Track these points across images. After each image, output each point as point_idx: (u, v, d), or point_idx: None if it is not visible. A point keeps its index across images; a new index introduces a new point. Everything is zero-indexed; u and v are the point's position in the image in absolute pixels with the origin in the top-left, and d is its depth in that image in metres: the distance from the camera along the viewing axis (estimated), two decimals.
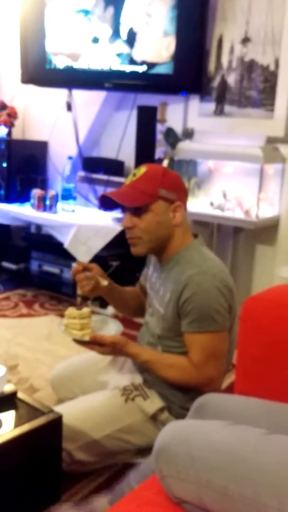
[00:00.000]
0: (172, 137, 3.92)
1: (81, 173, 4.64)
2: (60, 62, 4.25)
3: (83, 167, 4.62)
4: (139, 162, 3.71)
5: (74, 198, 4.48)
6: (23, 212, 4.41)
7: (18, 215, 4.44)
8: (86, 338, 1.99)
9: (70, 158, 4.46)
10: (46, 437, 1.82)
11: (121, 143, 4.40)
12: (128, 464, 2.16)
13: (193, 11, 3.75)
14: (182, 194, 2.06)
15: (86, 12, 4.05)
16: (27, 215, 4.38)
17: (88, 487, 2.13)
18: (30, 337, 3.62)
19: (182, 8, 3.76)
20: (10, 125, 4.87)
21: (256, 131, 3.71)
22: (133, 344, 2.07)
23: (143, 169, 2.04)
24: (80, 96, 4.53)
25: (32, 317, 4.04)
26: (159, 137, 3.94)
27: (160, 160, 3.91)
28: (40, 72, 4.36)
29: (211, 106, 3.99)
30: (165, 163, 3.86)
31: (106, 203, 2.07)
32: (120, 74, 4.04)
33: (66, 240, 3.97)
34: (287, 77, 3.58)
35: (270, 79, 3.65)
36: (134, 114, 4.01)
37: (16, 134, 5.01)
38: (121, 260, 3.85)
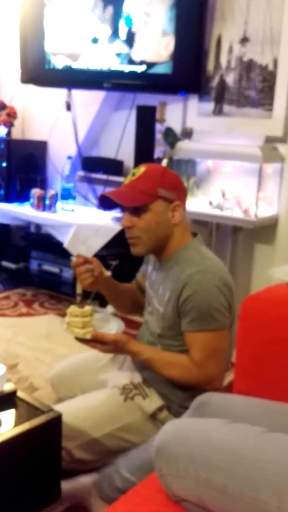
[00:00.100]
0: (171, 137, 3.92)
1: (81, 173, 4.65)
2: (59, 62, 4.25)
3: (82, 167, 4.63)
4: (138, 161, 3.71)
5: (74, 198, 4.49)
6: (22, 211, 4.42)
7: (18, 215, 4.45)
8: (88, 336, 1.98)
9: (69, 157, 4.47)
10: (46, 435, 1.81)
11: (120, 143, 4.40)
12: None
13: (192, 11, 3.76)
14: (181, 193, 2.06)
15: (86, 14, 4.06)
16: (26, 215, 4.39)
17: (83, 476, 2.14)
18: (30, 336, 3.63)
19: (181, 8, 3.76)
20: (9, 125, 4.88)
21: (255, 130, 3.72)
22: (134, 342, 2.08)
23: (142, 168, 2.04)
24: (80, 96, 4.53)
25: (32, 316, 4.05)
26: (158, 136, 3.94)
27: (159, 160, 3.91)
28: (39, 72, 4.37)
29: (210, 105, 4.00)
30: (164, 162, 3.87)
31: (106, 203, 2.07)
32: (119, 74, 4.05)
33: (66, 240, 3.97)
34: (286, 77, 3.58)
35: (268, 78, 3.66)
36: (133, 114, 4.01)
37: (16, 134, 5.02)
38: (120, 259, 3.86)
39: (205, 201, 3.80)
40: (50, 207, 4.32)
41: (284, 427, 1.43)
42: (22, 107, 5.02)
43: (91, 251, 3.86)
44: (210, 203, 3.76)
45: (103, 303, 3.78)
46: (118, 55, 4.01)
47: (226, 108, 3.92)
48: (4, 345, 3.45)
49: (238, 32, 3.78)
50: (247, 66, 3.76)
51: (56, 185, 4.72)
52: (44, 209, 4.33)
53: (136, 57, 3.95)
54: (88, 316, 2.01)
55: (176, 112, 4.13)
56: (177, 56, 3.84)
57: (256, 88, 3.74)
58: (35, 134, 5.02)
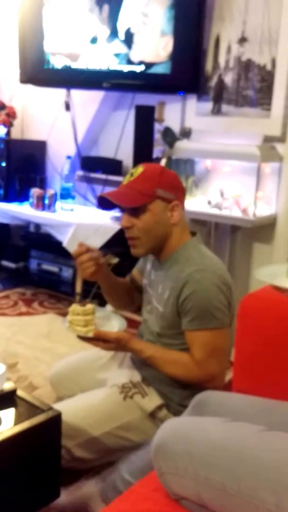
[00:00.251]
0: (169, 137, 3.93)
1: (80, 173, 4.65)
2: (58, 62, 4.26)
3: (81, 167, 4.63)
4: (137, 161, 3.72)
5: (73, 197, 4.49)
6: (22, 211, 4.43)
7: (17, 214, 4.45)
8: (90, 334, 1.98)
9: (68, 157, 4.47)
10: (46, 434, 1.81)
11: (119, 143, 4.41)
12: None
13: (190, 11, 3.76)
14: (179, 193, 2.07)
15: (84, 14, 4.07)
16: (26, 214, 4.40)
17: (87, 484, 2.15)
18: (30, 335, 3.63)
19: (179, 8, 3.77)
20: (9, 124, 4.88)
21: (253, 130, 3.73)
22: (136, 340, 2.08)
23: (140, 169, 2.04)
24: (79, 96, 4.54)
25: (31, 315, 4.06)
26: (157, 136, 3.95)
27: (158, 159, 3.92)
28: (38, 72, 4.37)
29: (208, 105, 4.00)
30: (163, 162, 3.87)
31: (104, 203, 2.07)
32: (118, 74, 4.05)
33: (65, 239, 3.98)
34: (284, 77, 3.59)
35: (267, 78, 3.67)
36: (132, 113, 4.01)
37: (15, 134, 5.02)
38: (119, 258, 3.87)
39: (203, 201, 3.81)
40: (50, 207, 4.32)
41: (283, 425, 1.44)
42: (22, 107, 5.02)
43: None
44: (209, 203, 3.77)
45: (102, 303, 3.79)
46: (117, 55, 4.02)
47: (225, 107, 3.92)
48: (3, 344, 3.46)
49: (236, 32, 3.79)
50: (246, 66, 3.77)
51: (56, 185, 4.73)
52: (43, 209, 4.34)
53: (135, 57, 3.96)
54: (90, 314, 2.01)
55: (174, 112, 4.14)
56: (176, 56, 3.84)
57: (254, 88, 3.74)
58: (34, 134, 5.02)
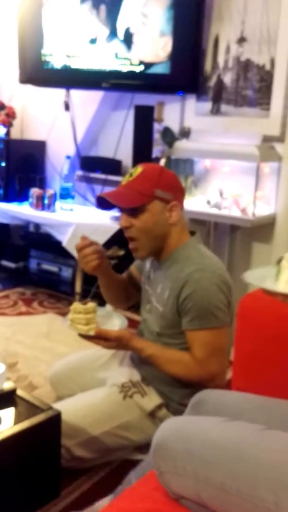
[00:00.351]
0: (169, 136, 3.93)
1: (79, 172, 4.65)
2: (57, 62, 4.26)
3: (81, 166, 4.63)
4: (136, 161, 3.72)
5: (72, 197, 4.49)
6: (21, 211, 4.43)
7: (17, 214, 4.46)
8: (92, 332, 1.99)
9: (68, 157, 4.47)
10: (45, 434, 1.82)
11: (118, 143, 4.41)
12: (126, 460, 2.18)
13: (189, 11, 3.76)
14: (178, 193, 2.07)
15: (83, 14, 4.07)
16: (25, 214, 4.40)
17: (87, 483, 2.16)
18: (29, 335, 3.64)
19: (178, 8, 3.77)
20: (8, 125, 4.88)
21: (252, 130, 3.73)
22: (138, 339, 2.09)
23: (139, 169, 2.05)
24: (78, 96, 4.54)
25: (31, 315, 4.06)
26: (156, 136, 3.95)
27: (157, 159, 3.92)
28: (38, 72, 4.37)
29: (207, 105, 4.00)
30: (162, 162, 3.88)
31: (103, 203, 2.08)
32: (117, 74, 4.05)
33: (65, 239, 3.98)
34: (283, 77, 3.59)
35: (266, 78, 3.67)
36: (131, 113, 4.01)
37: (15, 134, 5.02)
38: (119, 258, 3.88)
39: (203, 200, 3.81)
40: (49, 207, 4.33)
41: (282, 424, 1.44)
42: (21, 107, 5.02)
43: None
44: (208, 202, 3.77)
45: (102, 302, 3.80)
46: (116, 55, 4.02)
47: (224, 107, 3.93)
48: (3, 344, 3.46)
49: (235, 32, 3.79)
50: (245, 66, 3.77)
51: (55, 185, 4.73)
52: (43, 209, 4.34)
53: (134, 57, 3.96)
54: (91, 313, 2.01)
55: (174, 112, 4.14)
56: (175, 56, 3.84)
57: (253, 88, 3.75)
58: (33, 134, 5.03)
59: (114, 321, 2.15)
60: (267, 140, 3.65)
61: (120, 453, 2.18)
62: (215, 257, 2.09)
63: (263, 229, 3.73)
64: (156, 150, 3.95)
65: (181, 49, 3.82)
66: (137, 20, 3.90)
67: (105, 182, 4.45)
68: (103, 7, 4.00)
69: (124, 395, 2.10)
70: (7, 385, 1.92)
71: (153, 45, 3.89)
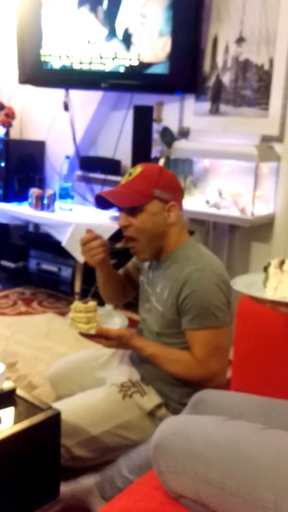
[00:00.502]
0: (168, 136, 3.93)
1: (78, 172, 4.66)
2: (56, 63, 4.26)
3: (80, 166, 4.64)
4: (135, 161, 3.73)
5: (72, 197, 4.50)
6: (21, 211, 4.43)
7: (16, 214, 4.46)
8: (92, 331, 1.99)
9: (67, 157, 4.48)
10: (45, 433, 1.82)
11: (117, 143, 4.42)
12: None
13: (188, 12, 3.77)
14: (177, 193, 2.07)
15: (83, 13, 4.08)
16: (25, 214, 4.41)
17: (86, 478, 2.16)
18: (29, 334, 3.64)
19: (177, 9, 3.77)
20: (8, 125, 4.89)
21: (251, 130, 3.73)
22: (138, 338, 2.09)
23: (138, 168, 2.05)
24: (77, 96, 4.54)
25: (31, 315, 4.07)
26: (155, 136, 3.95)
27: (156, 159, 3.92)
28: (37, 73, 4.38)
29: (206, 105, 4.01)
30: (161, 162, 3.88)
31: (102, 202, 2.08)
32: (116, 74, 4.06)
33: (64, 239, 3.99)
34: (282, 76, 3.59)
35: (264, 78, 3.67)
36: (130, 113, 4.02)
37: (14, 134, 5.03)
38: (118, 258, 3.88)
39: (202, 200, 3.81)
40: (49, 207, 4.33)
41: (281, 424, 1.45)
42: (20, 108, 5.02)
43: None
44: (207, 202, 3.77)
45: (101, 302, 3.81)
46: (115, 55, 4.02)
47: (223, 107, 3.93)
48: (3, 344, 3.47)
49: (234, 32, 3.79)
50: (243, 66, 3.78)
51: (54, 185, 4.73)
52: (42, 209, 4.35)
53: (133, 58, 3.96)
54: (92, 312, 2.01)
55: (173, 112, 4.14)
56: (174, 56, 3.84)
57: (252, 88, 3.75)
58: (33, 134, 5.03)
59: (114, 320, 2.14)
60: (266, 140, 3.65)
61: (119, 453, 2.17)
62: (214, 256, 2.09)
63: (262, 228, 3.74)
64: (155, 150, 3.95)
65: (180, 49, 3.83)
66: (136, 20, 3.91)
67: (104, 182, 4.45)
68: (102, 8, 4.00)
69: (124, 394, 2.10)
70: (7, 385, 1.92)
71: (152, 45, 3.90)
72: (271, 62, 3.63)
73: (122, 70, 4.04)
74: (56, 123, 4.73)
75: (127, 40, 3.96)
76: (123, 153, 4.29)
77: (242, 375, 1.99)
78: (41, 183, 4.66)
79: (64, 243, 3.97)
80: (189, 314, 1.97)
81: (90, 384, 2.25)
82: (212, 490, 1.32)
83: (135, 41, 3.94)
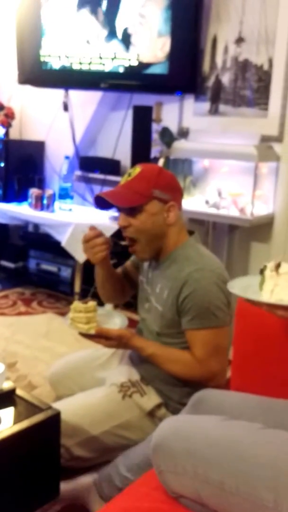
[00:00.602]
0: (167, 137, 3.93)
1: (78, 173, 4.66)
2: (56, 63, 4.27)
3: (79, 167, 4.64)
4: (135, 161, 3.73)
5: (71, 197, 4.50)
6: (21, 211, 4.44)
7: (16, 214, 4.46)
8: (92, 331, 1.99)
9: (67, 157, 4.48)
10: (45, 433, 1.82)
11: (117, 143, 4.42)
12: None
13: (187, 12, 3.77)
14: (176, 194, 2.08)
15: (82, 13, 4.08)
16: (24, 214, 4.41)
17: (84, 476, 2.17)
18: (29, 334, 3.65)
19: (176, 9, 3.77)
20: (7, 125, 4.89)
21: (251, 130, 3.74)
22: (138, 338, 2.09)
23: (138, 169, 2.05)
24: (77, 96, 4.54)
25: (30, 315, 4.07)
26: (155, 136, 3.95)
27: (155, 159, 3.92)
28: (36, 73, 4.38)
29: (206, 105, 4.01)
30: (161, 162, 3.88)
31: (102, 203, 2.08)
32: (116, 74, 4.06)
33: (64, 239, 3.99)
34: (281, 77, 3.59)
35: (264, 78, 3.68)
36: (130, 114, 4.02)
37: (14, 135, 5.03)
38: (117, 258, 3.88)
39: (201, 200, 3.81)
40: (48, 207, 4.33)
41: (280, 423, 1.45)
42: (20, 108, 5.02)
43: None
44: (207, 202, 3.78)
45: (101, 302, 3.81)
46: (115, 55, 4.02)
47: (222, 107, 3.93)
48: (3, 344, 3.47)
49: (234, 32, 3.79)
50: (243, 66, 3.78)
51: (54, 185, 4.74)
52: (42, 209, 4.35)
53: (133, 58, 3.96)
54: (92, 312, 2.01)
55: (172, 112, 4.14)
56: (173, 56, 3.85)
57: (251, 88, 3.75)
58: (32, 134, 5.03)
59: (114, 320, 2.14)
60: (265, 140, 3.66)
61: (119, 453, 2.17)
62: (214, 256, 2.09)
63: (261, 228, 3.74)
64: (155, 150, 3.95)
65: (179, 50, 3.83)
66: (135, 20, 3.91)
67: (103, 182, 4.45)
68: (101, 8, 4.00)
69: (124, 394, 2.10)
70: (7, 385, 1.92)
71: (151, 46, 3.90)
72: (270, 62, 3.63)
73: (121, 70, 4.04)
74: (56, 123, 4.73)
75: (126, 40, 3.96)
76: (123, 153, 4.29)
77: (241, 375, 1.99)
78: (41, 183, 4.66)
79: (63, 243, 3.98)
80: (189, 314, 1.97)
81: (90, 384, 2.26)
82: (212, 490, 1.32)
83: (134, 41, 3.94)
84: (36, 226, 4.62)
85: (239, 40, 3.77)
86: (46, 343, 3.53)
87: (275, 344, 1.86)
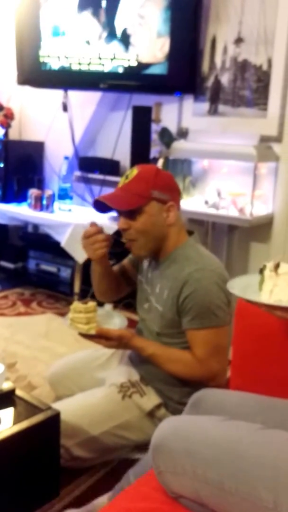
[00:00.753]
0: (167, 137, 3.94)
1: (77, 173, 4.66)
2: (55, 63, 4.27)
3: (79, 167, 4.64)
4: (134, 161, 3.73)
5: (71, 198, 4.50)
6: (20, 211, 4.44)
7: (16, 215, 4.46)
8: (92, 332, 1.99)
9: (66, 158, 4.48)
10: (45, 433, 1.82)
11: (116, 143, 4.42)
12: (126, 459, 2.18)
13: (186, 12, 3.77)
14: (175, 194, 2.07)
15: (81, 13, 4.08)
16: (24, 215, 4.41)
17: (86, 482, 2.17)
18: (28, 335, 3.64)
19: (176, 9, 3.78)
20: (6, 126, 4.89)
21: (250, 130, 3.74)
22: (138, 338, 2.09)
23: (135, 171, 2.04)
24: (76, 96, 4.54)
25: (30, 315, 4.07)
26: (154, 136, 3.95)
27: (155, 160, 3.92)
28: (35, 74, 4.39)
29: (205, 105, 4.01)
30: (160, 162, 3.88)
31: (101, 207, 2.08)
32: (115, 75, 4.06)
33: (63, 239, 3.99)
34: (280, 77, 3.60)
35: (263, 78, 3.68)
36: (129, 114, 4.02)
37: (13, 135, 5.03)
38: (117, 258, 3.88)
39: (201, 200, 3.82)
40: (48, 207, 4.33)
41: (280, 423, 1.45)
42: (19, 108, 5.03)
43: None
44: (206, 202, 3.78)
45: (101, 302, 3.81)
46: (114, 56, 4.03)
47: (221, 108, 3.94)
48: (2, 344, 3.47)
49: (233, 33, 3.80)
50: (242, 66, 3.78)
51: (53, 185, 4.74)
52: (41, 209, 4.35)
53: (132, 58, 3.97)
54: (92, 312, 2.01)
55: (171, 112, 4.15)
56: (172, 57, 3.85)
57: (250, 88, 3.76)
58: (32, 135, 5.03)
59: (114, 320, 2.15)
60: (265, 140, 3.66)
61: (119, 453, 2.18)
62: (213, 256, 2.09)
63: (261, 228, 3.74)
64: (154, 151, 3.96)
65: (178, 50, 3.83)
66: (134, 21, 3.91)
67: (103, 183, 4.45)
68: (100, 9, 4.00)
69: (123, 395, 2.10)
70: (6, 385, 1.92)
71: (151, 46, 3.90)
72: (269, 62, 3.64)
73: (120, 70, 4.04)
74: (55, 123, 4.73)
75: (125, 40, 3.97)
76: (122, 153, 4.29)
77: (241, 375, 1.99)
78: (40, 184, 4.66)
79: (63, 244, 3.98)
80: (190, 314, 1.97)
81: (90, 385, 2.26)
82: (212, 490, 1.32)
83: (133, 42, 3.94)
84: (36, 226, 4.62)
85: (238, 41, 3.77)
86: (46, 343, 3.53)
87: (275, 343, 1.86)
